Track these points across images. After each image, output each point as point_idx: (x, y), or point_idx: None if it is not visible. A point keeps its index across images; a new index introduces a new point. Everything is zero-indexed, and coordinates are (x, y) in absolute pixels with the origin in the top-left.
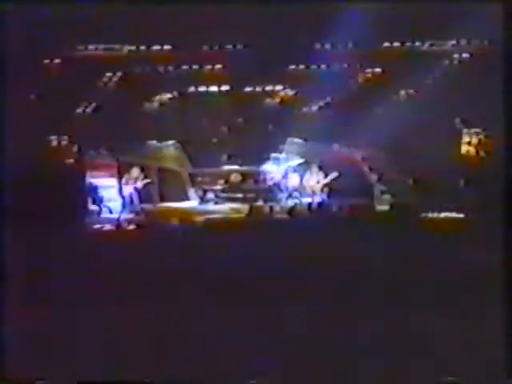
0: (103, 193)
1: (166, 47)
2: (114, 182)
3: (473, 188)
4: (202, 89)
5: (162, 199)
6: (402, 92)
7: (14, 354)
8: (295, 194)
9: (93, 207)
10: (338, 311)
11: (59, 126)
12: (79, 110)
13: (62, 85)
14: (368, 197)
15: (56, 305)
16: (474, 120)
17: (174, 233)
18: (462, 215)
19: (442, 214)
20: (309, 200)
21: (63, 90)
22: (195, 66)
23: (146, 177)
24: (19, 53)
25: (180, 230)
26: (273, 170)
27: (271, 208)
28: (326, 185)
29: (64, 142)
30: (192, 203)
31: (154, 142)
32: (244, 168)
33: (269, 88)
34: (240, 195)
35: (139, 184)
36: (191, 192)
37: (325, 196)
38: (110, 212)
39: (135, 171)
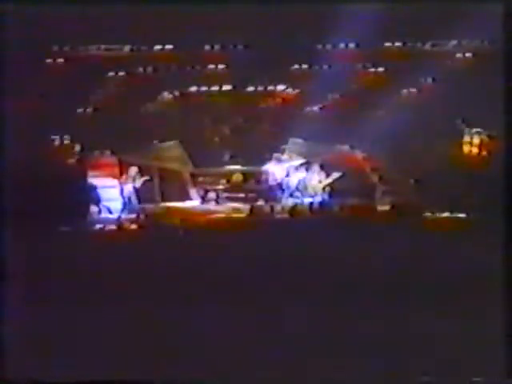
0: (104, 193)
1: (168, 47)
2: (115, 181)
3: (474, 188)
4: (204, 89)
5: (164, 199)
6: (404, 92)
7: (14, 354)
8: (296, 193)
9: (93, 207)
10: (339, 311)
11: (61, 126)
12: (81, 110)
13: (64, 84)
14: (369, 197)
15: (56, 305)
16: (475, 120)
17: (175, 233)
18: (463, 215)
19: (444, 214)
20: (310, 200)
21: (65, 89)
22: (197, 66)
23: (142, 175)
24: (21, 52)
25: (180, 229)
26: (274, 169)
27: (272, 208)
28: (327, 185)
29: (66, 142)
30: (193, 203)
31: (156, 141)
32: (245, 168)
33: (271, 88)
34: (241, 195)
35: (138, 183)
36: (192, 192)
37: (326, 196)
38: (110, 212)
39: (133, 170)
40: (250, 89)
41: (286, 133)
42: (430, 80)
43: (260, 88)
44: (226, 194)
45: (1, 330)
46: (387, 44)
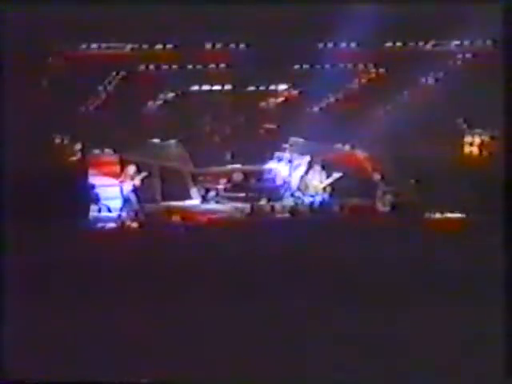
0: (105, 191)
1: (169, 46)
2: (115, 180)
3: (475, 188)
4: (205, 88)
5: (164, 198)
6: (405, 92)
7: (14, 354)
8: (297, 193)
9: (94, 206)
10: (340, 311)
11: (62, 125)
12: (82, 109)
13: (65, 84)
14: (370, 197)
15: (56, 304)
16: (476, 120)
17: (175, 231)
18: (464, 215)
19: (445, 214)
20: (311, 199)
21: (66, 88)
22: (198, 66)
23: (140, 173)
24: (22, 52)
25: (181, 228)
26: (275, 169)
27: (273, 207)
28: (328, 184)
29: (67, 141)
30: (194, 202)
31: (157, 140)
32: (246, 167)
33: (272, 87)
34: (242, 194)
35: (137, 181)
36: (193, 191)
37: (327, 196)
38: (109, 211)
39: (131, 169)
40: (251, 88)
41: (287, 132)
42: (431, 80)
43: (261, 87)
44: (226, 194)
45: (1, 330)
46: (388, 44)
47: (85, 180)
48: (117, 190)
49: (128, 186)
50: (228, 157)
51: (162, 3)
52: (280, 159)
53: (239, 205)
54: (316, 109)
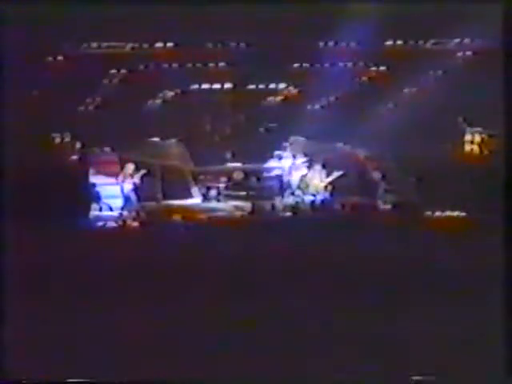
0: (106, 190)
1: (169, 45)
2: (115, 179)
3: (476, 187)
4: (205, 86)
5: (165, 197)
6: (406, 90)
7: (14, 354)
8: (298, 192)
9: (95, 205)
10: (340, 310)
11: (62, 124)
12: (82, 108)
13: (65, 82)
14: (371, 195)
15: (56, 304)
16: (477, 119)
17: (176, 230)
18: (465, 214)
19: (446, 213)
20: (312, 198)
21: (66, 87)
22: (198, 64)
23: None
24: (22, 50)
25: (182, 227)
26: (276, 167)
27: (274, 206)
28: (329, 183)
29: (67, 140)
30: (195, 201)
31: (157, 139)
32: (247, 166)
33: (272, 86)
34: (243, 193)
35: (136, 179)
36: (194, 190)
37: (328, 194)
38: (111, 209)
39: (130, 167)
40: (252, 87)
41: (288, 131)
42: (431, 79)
43: (261, 86)
44: (227, 192)
45: (1, 330)
46: (389, 43)
47: (85, 179)
48: (117, 188)
49: (128, 185)
50: (228, 155)
51: (163, 2)
52: (280, 158)
53: (240, 203)
54: (316, 108)
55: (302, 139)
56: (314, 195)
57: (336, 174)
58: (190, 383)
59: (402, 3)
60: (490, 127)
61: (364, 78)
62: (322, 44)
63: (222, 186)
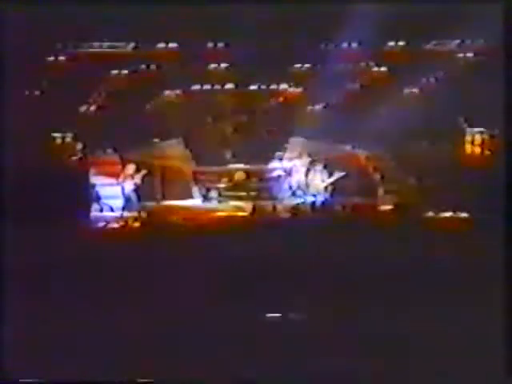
0: (106, 191)
1: (171, 45)
2: (116, 180)
3: (476, 187)
4: (207, 87)
5: (166, 197)
6: (406, 91)
7: (14, 354)
8: (299, 192)
9: (95, 205)
10: (340, 309)
11: (63, 124)
12: (83, 108)
13: (66, 82)
14: (371, 196)
15: (56, 304)
16: (477, 119)
17: (176, 231)
18: (465, 215)
19: (446, 214)
20: (312, 199)
21: (67, 87)
22: (200, 65)
23: (139, 171)
24: (23, 50)
25: (182, 226)
26: (277, 168)
27: (274, 207)
28: (330, 184)
29: (68, 140)
30: (195, 201)
31: (158, 140)
32: (248, 166)
33: (273, 87)
34: (243, 193)
35: (137, 179)
36: (194, 190)
37: (328, 195)
38: (112, 210)
39: (130, 168)
40: (253, 87)
41: (289, 132)
42: (432, 79)
43: (263, 87)
44: (228, 193)
45: (1, 330)
46: (390, 43)
47: (86, 179)
48: (118, 189)
49: (129, 186)
50: (229, 156)
51: (164, 2)
52: (281, 159)
53: (241, 204)
54: (318, 108)
55: (302, 140)
56: (314, 196)
57: (337, 175)
58: (190, 383)
59: (403, 4)
60: (491, 128)
61: (365, 79)
62: (323, 45)
63: (222, 186)
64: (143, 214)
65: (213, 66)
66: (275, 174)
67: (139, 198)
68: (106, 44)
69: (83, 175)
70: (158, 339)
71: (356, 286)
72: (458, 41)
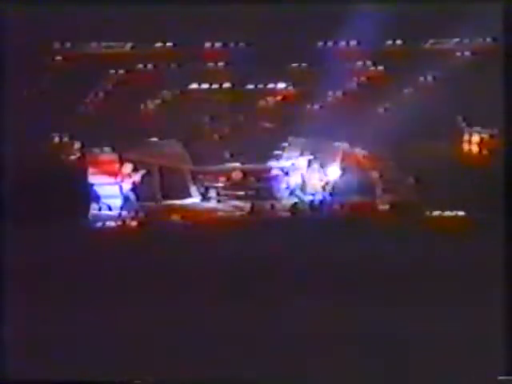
0: (105, 190)
1: (168, 44)
2: (115, 179)
3: (475, 187)
4: (204, 86)
5: (164, 197)
6: (404, 90)
7: (14, 353)
8: (297, 191)
9: (94, 205)
10: (339, 309)
11: (61, 124)
12: (81, 108)
13: (64, 82)
14: (370, 195)
15: (56, 304)
16: (476, 118)
17: (175, 230)
18: (464, 214)
19: (445, 213)
20: (310, 198)
21: (64, 87)
22: (197, 64)
23: (138, 170)
24: (21, 50)
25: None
26: (275, 167)
27: (273, 206)
28: (327, 183)
29: (65, 140)
30: (194, 201)
31: (156, 139)
32: (246, 165)
33: (271, 86)
34: (242, 193)
35: (137, 178)
36: (193, 189)
37: (326, 194)
38: (110, 209)
39: (128, 167)
40: (250, 86)
41: (286, 131)
42: (430, 78)
43: (260, 86)
44: (226, 192)
45: (1, 330)
46: (388, 42)
47: (84, 179)
48: (116, 188)
49: (127, 185)
50: (227, 155)
51: (162, 2)
52: (279, 158)
53: (239, 203)
54: (315, 107)
55: (300, 139)
56: (312, 195)
57: (335, 174)
58: (190, 383)
59: (402, 3)
60: (490, 127)
61: (363, 78)
62: (321, 44)
63: (220, 185)
64: (141, 214)
65: (210, 65)
66: (273, 173)
67: (138, 198)
68: (104, 44)
69: (81, 174)
70: (157, 339)
71: (355, 285)
72: (456, 40)
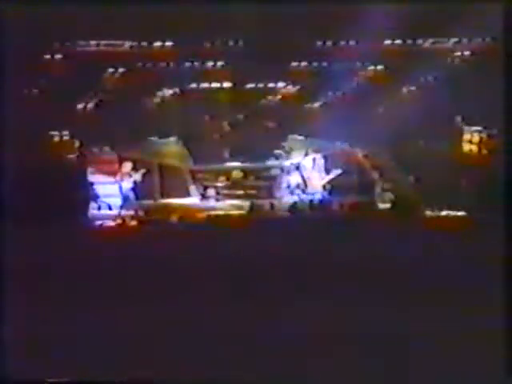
0: (104, 189)
1: (168, 44)
2: (114, 178)
3: (474, 186)
4: (204, 85)
5: (163, 195)
6: (404, 90)
7: (14, 353)
8: (297, 191)
9: (93, 203)
10: (339, 308)
11: (61, 122)
12: (81, 106)
13: (64, 81)
14: (369, 194)
15: (56, 303)
16: (475, 118)
17: (174, 229)
18: (463, 213)
19: (443, 212)
20: (310, 197)
21: (65, 85)
22: (197, 63)
23: (138, 170)
24: (21, 49)
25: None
26: (274, 166)
27: (272, 205)
28: (327, 182)
29: (65, 138)
30: (193, 200)
31: (156, 138)
32: (245, 165)
33: (271, 85)
34: (241, 192)
35: (137, 177)
36: (192, 188)
37: (326, 193)
38: (110, 208)
39: (127, 166)
40: (250, 86)
41: (286, 130)
42: (430, 78)
43: (260, 85)
44: (225, 191)
45: (1, 330)
46: (387, 42)
47: (84, 178)
48: (116, 187)
49: (127, 184)
50: (227, 154)
51: (161, 1)
52: (279, 157)
53: (238, 202)
54: (315, 106)
55: (300, 138)
56: (312, 194)
57: (334, 173)
58: (190, 383)
59: (402, 3)
60: (489, 126)
61: (363, 77)
62: (320, 43)
63: (220, 184)
64: (141, 213)
65: (210, 64)
66: (273, 172)
67: (137, 197)
68: (103, 43)
69: (81, 173)
70: (157, 338)
71: (355, 284)
72: (456, 39)
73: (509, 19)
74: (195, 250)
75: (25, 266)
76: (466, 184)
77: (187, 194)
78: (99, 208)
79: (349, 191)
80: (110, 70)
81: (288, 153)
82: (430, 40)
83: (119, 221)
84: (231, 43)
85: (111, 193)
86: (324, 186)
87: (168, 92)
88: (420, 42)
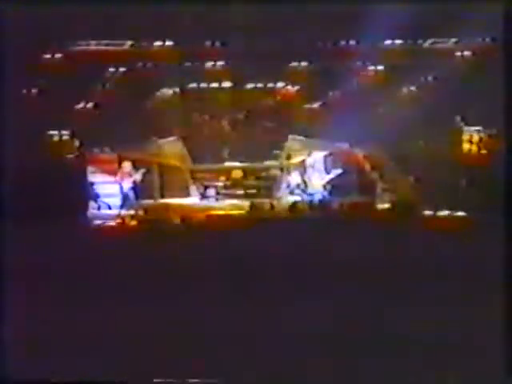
0: (104, 189)
1: (168, 43)
2: (114, 177)
3: (474, 186)
4: (204, 85)
5: (163, 195)
6: (404, 90)
7: (14, 354)
8: (297, 190)
9: (93, 203)
10: (338, 308)
11: (61, 122)
12: (80, 106)
13: (64, 80)
14: (369, 194)
15: (56, 303)
16: (475, 118)
17: (174, 228)
18: (463, 213)
19: (443, 212)
20: (310, 197)
21: (65, 85)
22: (197, 63)
23: (137, 169)
24: (21, 49)
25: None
26: (274, 166)
27: (272, 205)
28: (328, 182)
29: (65, 138)
30: (193, 199)
31: (156, 138)
32: (245, 164)
33: (270, 85)
34: (241, 192)
35: (138, 176)
36: (192, 188)
37: (326, 193)
38: (109, 208)
39: (127, 166)
40: (250, 85)
41: (286, 130)
42: (430, 78)
43: (260, 85)
44: (225, 191)
45: (1, 330)
46: (387, 42)
47: (84, 177)
48: (116, 187)
49: (127, 184)
50: (227, 154)
51: (161, 1)
52: (279, 157)
53: (238, 202)
54: (315, 106)
55: (300, 138)
56: (312, 194)
57: (335, 173)
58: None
59: (402, 3)
60: (489, 126)
61: (363, 78)
62: (320, 43)
63: (220, 184)
64: (140, 212)
65: (210, 64)
66: (273, 172)
67: (137, 196)
68: (104, 42)
69: (81, 173)
70: (157, 338)
71: (354, 283)
72: (456, 39)
73: (509, 19)
74: (195, 250)
75: (25, 266)
76: (465, 184)
77: (187, 194)
78: (99, 208)
79: (349, 191)
80: (110, 69)
81: (288, 152)
82: (430, 40)
83: (119, 220)
84: (231, 43)
85: (111, 192)
86: (324, 186)
87: (168, 92)
88: (420, 42)
